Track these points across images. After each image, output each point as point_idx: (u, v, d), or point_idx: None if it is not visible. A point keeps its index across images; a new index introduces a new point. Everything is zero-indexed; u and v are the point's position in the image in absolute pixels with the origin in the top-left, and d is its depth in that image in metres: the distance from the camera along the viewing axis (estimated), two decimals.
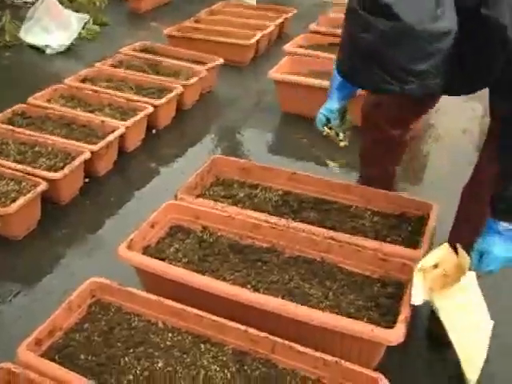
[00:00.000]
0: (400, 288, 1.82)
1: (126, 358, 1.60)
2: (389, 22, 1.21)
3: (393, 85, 1.28)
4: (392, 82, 1.28)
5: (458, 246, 1.68)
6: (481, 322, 1.74)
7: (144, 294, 1.77)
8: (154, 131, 3.10)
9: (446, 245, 1.71)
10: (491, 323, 1.74)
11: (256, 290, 1.79)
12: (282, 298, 1.75)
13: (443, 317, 1.62)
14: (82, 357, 1.60)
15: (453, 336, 1.64)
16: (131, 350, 1.63)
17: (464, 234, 1.78)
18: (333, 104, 1.90)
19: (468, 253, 1.64)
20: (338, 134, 1.95)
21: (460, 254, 1.68)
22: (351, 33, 1.30)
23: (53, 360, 1.56)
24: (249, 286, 1.80)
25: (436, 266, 1.67)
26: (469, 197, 1.84)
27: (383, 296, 1.80)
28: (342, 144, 1.96)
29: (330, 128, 1.94)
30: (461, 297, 1.64)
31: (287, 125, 3.24)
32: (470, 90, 1.54)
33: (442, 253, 1.69)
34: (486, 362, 1.69)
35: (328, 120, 1.92)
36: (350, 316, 1.69)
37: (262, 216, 2.05)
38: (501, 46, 1.32)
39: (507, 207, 1.50)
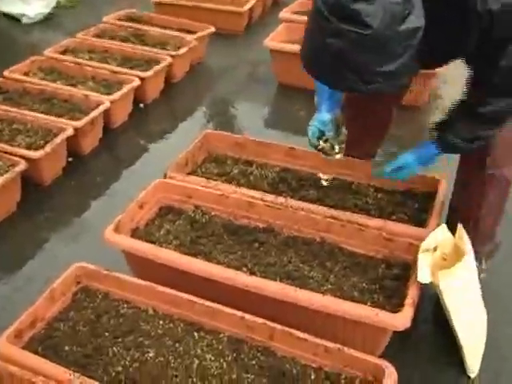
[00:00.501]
0: (406, 269, 1.80)
1: (115, 349, 1.59)
2: (358, 30, 1.27)
3: (360, 85, 1.37)
4: (359, 83, 1.36)
5: (459, 226, 1.69)
6: (481, 311, 1.76)
7: (133, 279, 1.76)
8: (141, 106, 3.07)
9: (444, 226, 1.71)
10: (485, 315, 1.77)
11: (252, 273, 1.78)
12: (280, 281, 1.74)
13: (447, 300, 1.63)
14: (67, 348, 1.59)
15: (456, 321, 1.65)
16: (120, 340, 1.61)
17: (463, 201, 1.85)
18: (324, 115, 1.91)
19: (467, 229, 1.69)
20: (333, 147, 1.95)
21: (458, 234, 1.68)
22: (319, 36, 1.35)
23: (35, 352, 1.54)
24: (244, 269, 1.79)
25: (435, 249, 1.68)
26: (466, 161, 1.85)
27: (388, 278, 1.79)
28: (337, 157, 1.97)
29: (326, 141, 1.95)
30: (463, 278, 1.65)
31: (284, 97, 3.20)
32: (442, 64, 1.73)
33: (441, 235, 1.70)
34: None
35: (322, 133, 1.93)
36: (352, 300, 1.68)
37: (258, 194, 2.04)
38: (473, 19, 1.41)
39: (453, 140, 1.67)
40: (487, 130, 1.63)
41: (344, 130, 1.95)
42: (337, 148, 1.96)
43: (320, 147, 1.96)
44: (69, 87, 2.83)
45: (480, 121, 1.61)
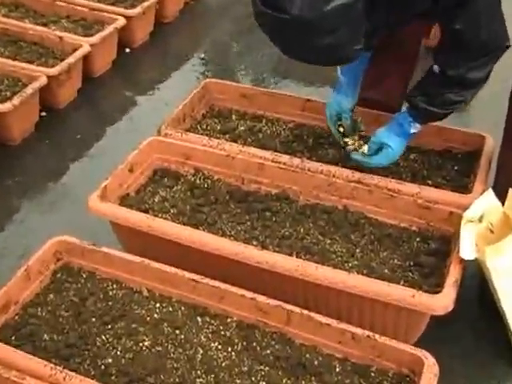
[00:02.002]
0: (446, 243, 1.79)
1: (103, 337, 1.59)
2: (277, 14, 1.40)
3: (304, 56, 1.55)
4: (302, 55, 1.55)
5: (510, 191, 1.67)
6: None
7: (123, 254, 1.76)
8: (127, 50, 3.06)
9: (491, 192, 1.70)
10: None
11: (264, 247, 1.77)
12: (297, 256, 1.75)
13: (496, 280, 1.61)
14: (46, 337, 1.58)
15: (506, 305, 1.64)
16: (109, 327, 1.61)
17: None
18: (346, 100, 2.00)
19: None
20: (346, 136, 2.02)
21: (508, 201, 1.67)
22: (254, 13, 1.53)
23: (7, 342, 1.54)
24: (255, 243, 1.80)
25: (481, 220, 1.67)
26: None
27: (424, 253, 1.78)
28: (350, 147, 2.00)
29: (341, 126, 2.03)
30: None
31: None
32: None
33: (487, 202, 1.69)
34: None
35: (339, 118, 2.03)
36: (383, 278, 1.66)
37: (269, 155, 2.02)
38: None
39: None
40: (458, 94, 1.75)
41: (360, 123, 2.03)
42: (350, 140, 2.00)
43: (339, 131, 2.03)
44: (39, 27, 2.80)
45: (450, 84, 1.74)
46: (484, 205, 1.68)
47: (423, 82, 1.83)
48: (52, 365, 1.43)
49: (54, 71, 2.49)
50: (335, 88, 2.03)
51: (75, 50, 2.63)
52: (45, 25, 2.83)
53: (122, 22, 2.85)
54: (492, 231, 1.68)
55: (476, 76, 1.71)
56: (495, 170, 1.97)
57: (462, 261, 1.62)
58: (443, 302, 1.54)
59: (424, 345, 1.56)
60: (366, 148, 1.94)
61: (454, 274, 1.60)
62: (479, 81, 1.73)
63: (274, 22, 1.45)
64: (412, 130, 1.86)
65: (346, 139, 2.00)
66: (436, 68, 1.76)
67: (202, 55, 3.11)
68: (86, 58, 2.69)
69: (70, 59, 2.57)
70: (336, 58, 1.55)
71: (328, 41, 1.45)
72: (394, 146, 1.87)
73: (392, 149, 1.88)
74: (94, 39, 2.71)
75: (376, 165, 1.93)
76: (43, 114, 2.57)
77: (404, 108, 1.93)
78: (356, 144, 1.98)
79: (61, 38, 2.69)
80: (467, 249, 1.61)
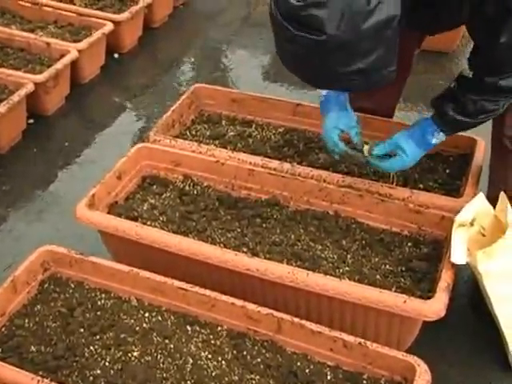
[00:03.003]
0: (437, 247, 1.79)
1: (92, 348, 1.58)
2: (312, 36, 1.35)
3: (333, 84, 1.51)
4: (331, 83, 1.50)
5: (501, 194, 1.68)
6: None
7: (112, 264, 1.75)
8: (116, 56, 3.07)
9: (482, 195, 1.70)
10: None
11: (254, 253, 1.77)
12: (288, 263, 1.74)
13: (487, 285, 1.61)
14: (33, 349, 1.58)
15: (498, 310, 1.64)
16: (98, 337, 1.61)
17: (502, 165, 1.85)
18: (348, 115, 1.90)
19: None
20: (360, 151, 1.89)
21: (500, 204, 1.67)
22: (276, 39, 1.48)
23: None
24: (245, 250, 1.79)
25: (472, 224, 1.67)
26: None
27: (416, 258, 1.78)
28: (366, 159, 1.89)
29: (353, 147, 1.90)
30: (507, 258, 1.61)
31: None
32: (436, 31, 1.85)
33: (479, 205, 1.68)
34: None
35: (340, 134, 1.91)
36: (374, 284, 1.67)
37: (259, 160, 2.02)
38: None
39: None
40: (493, 102, 1.65)
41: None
42: (365, 151, 1.88)
43: (344, 154, 1.91)
44: (26, 33, 2.79)
45: (485, 91, 1.64)
46: (475, 208, 1.68)
47: (453, 89, 1.72)
48: (39, 377, 1.42)
49: (41, 78, 2.49)
50: (325, 109, 1.91)
51: (63, 55, 2.63)
52: (32, 31, 2.83)
53: (110, 27, 2.85)
54: (484, 235, 1.68)
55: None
56: (488, 173, 1.96)
57: (453, 265, 1.62)
58: (435, 307, 1.53)
59: (418, 351, 1.55)
60: (366, 148, 1.86)
61: (445, 279, 1.59)
62: None
63: (307, 45, 1.37)
64: (434, 141, 1.75)
65: (362, 149, 1.87)
66: (470, 73, 1.67)
67: (192, 60, 3.12)
68: (73, 64, 2.69)
69: (58, 65, 2.57)
70: (371, 82, 1.47)
71: (363, 64, 1.40)
72: (409, 153, 1.77)
73: (407, 155, 1.78)
74: (82, 45, 2.71)
75: (387, 169, 1.87)
76: (31, 121, 2.57)
77: (428, 115, 1.81)
78: (367, 149, 1.88)
79: (48, 43, 2.68)
80: (458, 253, 1.61)
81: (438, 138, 1.75)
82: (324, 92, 1.90)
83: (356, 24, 1.34)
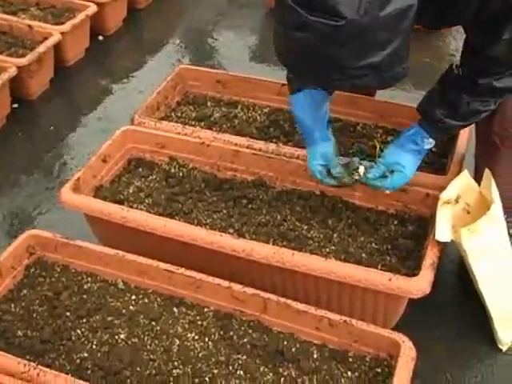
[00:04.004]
0: (423, 225, 1.80)
1: (78, 331, 1.58)
2: (329, 21, 1.24)
3: (344, 81, 1.35)
4: (342, 79, 1.34)
5: (485, 171, 1.68)
6: None
7: (97, 247, 1.75)
8: (100, 38, 3.05)
9: (466, 173, 1.70)
10: None
11: (240, 234, 1.78)
12: (274, 243, 1.75)
13: (472, 262, 1.62)
14: (20, 333, 1.57)
15: (483, 287, 1.65)
16: (84, 320, 1.60)
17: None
18: (323, 146, 1.77)
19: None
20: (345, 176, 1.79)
21: (484, 181, 1.67)
22: (284, 29, 1.34)
23: None
24: (231, 231, 1.80)
25: (457, 201, 1.68)
26: None
27: (402, 236, 1.78)
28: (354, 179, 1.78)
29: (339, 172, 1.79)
30: (492, 234, 1.63)
31: (273, 24, 3.16)
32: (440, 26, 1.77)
33: (463, 183, 1.69)
34: None
35: (327, 167, 1.79)
36: (360, 263, 1.67)
37: (245, 141, 2.01)
38: None
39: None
40: (487, 102, 1.61)
41: (355, 160, 1.80)
42: (349, 178, 1.78)
43: (339, 182, 1.79)
44: (8, 16, 2.76)
45: (481, 93, 1.60)
46: (460, 186, 1.68)
47: (442, 92, 1.66)
48: (25, 361, 1.42)
49: (24, 61, 2.47)
50: (306, 141, 1.80)
51: (46, 38, 2.60)
52: (14, 13, 2.80)
53: (93, 8, 2.82)
54: (469, 212, 1.69)
55: (507, 84, 1.57)
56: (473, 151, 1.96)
57: (439, 243, 1.62)
58: (420, 284, 1.54)
59: (405, 329, 1.56)
60: (362, 169, 1.76)
61: (430, 257, 1.60)
62: (510, 89, 1.60)
63: (322, 31, 1.25)
64: (426, 147, 1.70)
65: (350, 177, 1.77)
66: (460, 76, 1.62)
67: (178, 41, 3.09)
68: (57, 47, 2.66)
69: (41, 49, 2.54)
70: (382, 79, 1.36)
71: (378, 57, 1.30)
72: (406, 165, 1.71)
73: (405, 168, 1.71)
74: (65, 27, 2.68)
75: (389, 188, 1.76)
76: (15, 105, 2.55)
77: (413, 123, 1.74)
78: (362, 170, 1.77)
79: (30, 26, 2.66)
80: (443, 231, 1.61)
81: (429, 144, 1.70)
82: (305, 121, 1.75)
83: (374, 9, 1.24)
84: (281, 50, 1.41)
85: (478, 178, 1.77)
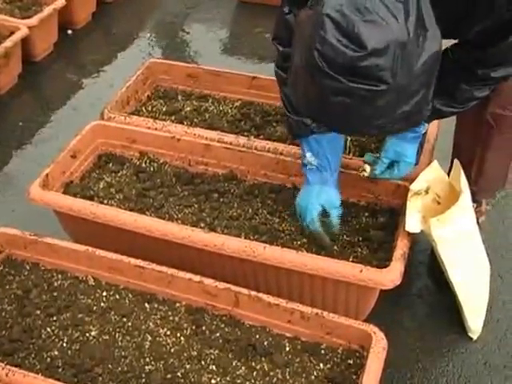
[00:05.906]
0: (393, 216, 1.80)
1: (48, 329, 1.57)
2: (372, 87, 1.22)
3: (373, 130, 1.37)
4: (372, 130, 1.36)
5: (454, 162, 1.70)
6: (483, 263, 1.77)
7: (67, 244, 1.73)
8: (69, 32, 3.03)
9: (436, 163, 1.71)
10: (488, 265, 1.78)
11: (212, 229, 1.77)
12: (246, 237, 1.75)
13: (441, 251, 1.63)
14: None
15: (453, 276, 1.66)
16: (54, 318, 1.59)
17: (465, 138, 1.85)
18: (334, 193, 1.73)
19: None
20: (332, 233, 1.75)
21: (453, 172, 1.69)
22: (319, 93, 1.30)
23: None
24: (202, 225, 1.79)
25: (427, 192, 1.68)
26: None
27: (373, 227, 1.79)
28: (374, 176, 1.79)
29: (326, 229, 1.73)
30: (460, 224, 1.64)
31: (244, 16, 3.20)
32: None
33: (432, 174, 1.70)
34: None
35: (325, 214, 1.74)
36: (332, 255, 1.67)
37: (216, 135, 2.01)
38: None
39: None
40: (483, 89, 1.61)
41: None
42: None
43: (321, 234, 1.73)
44: None
45: (479, 81, 1.59)
46: (430, 177, 1.69)
47: (438, 81, 1.58)
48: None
49: None
50: (310, 178, 1.72)
51: (12, 33, 2.57)
52: None
53: (61, 2, 2.79)
54: (439, 202, 1.70)
55: (503, 74, 1.55)
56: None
57: (410, 234, 1.63)
58: (391, 275, 1.55)
59: (377, 320, 1.58)
60: (367, 168, 1.78)
61: (401, 248, 1.60)
62: (504, 78, 1.58)
63: (362, 96, 1.24)
64: (422, 131, 1.72)
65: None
66: (457, 65, 1.58)
67: (148, 35, 3.08)
68: (24, 42, 2.63)
69: (7, 43, 2.52)
70: (410, 124, 1.37)
71: (408, 107, 1.28)
72: (409, 154, 1.73)
73: (408, 157, 1.73)
74: (33, 21, 2.65)
75: (397, 178, 1.79)
76: None
77: None
78: (368, 169, 1.79)
79: None
80: (413, 222, 1.62)
81: (424, 128, 1.72)
82: (315, 161, 1.71)
83: (410, 66, 1.23)
84: (305, 102, 1.38)
85: (463, 164, 1.74)
